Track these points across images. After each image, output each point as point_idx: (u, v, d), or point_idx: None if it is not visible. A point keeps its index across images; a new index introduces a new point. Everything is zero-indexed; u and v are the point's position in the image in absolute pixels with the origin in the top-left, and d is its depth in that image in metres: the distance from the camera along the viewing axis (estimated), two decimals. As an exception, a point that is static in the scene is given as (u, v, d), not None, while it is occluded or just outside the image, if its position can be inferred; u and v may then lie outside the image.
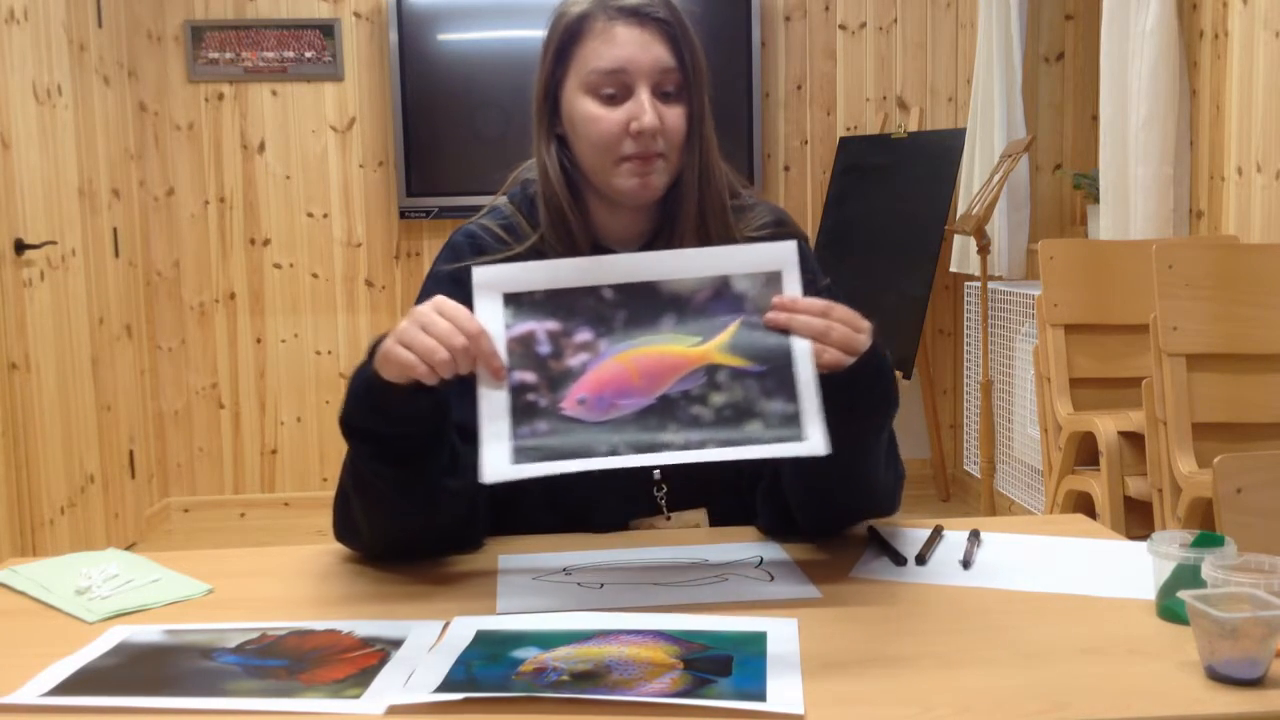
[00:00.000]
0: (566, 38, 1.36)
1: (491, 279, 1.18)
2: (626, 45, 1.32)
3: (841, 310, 1.17)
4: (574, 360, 1.16)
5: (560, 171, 1.38)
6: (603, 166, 1.35)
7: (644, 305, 1.17)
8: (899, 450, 1.37)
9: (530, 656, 1.02)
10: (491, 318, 1.16)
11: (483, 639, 1.06)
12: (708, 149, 1.38)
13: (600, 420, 1.13)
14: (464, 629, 1.09)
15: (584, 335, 1.16)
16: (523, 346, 1.16)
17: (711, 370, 1.14)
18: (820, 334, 1.15)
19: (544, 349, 1.16)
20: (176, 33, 4.39)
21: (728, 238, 1.39)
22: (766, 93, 4.52)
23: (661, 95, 1.33)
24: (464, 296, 1.18)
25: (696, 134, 1.36)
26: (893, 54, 4.56)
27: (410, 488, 1.24)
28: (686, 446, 1.12)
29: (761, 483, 1.37)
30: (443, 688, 0.95)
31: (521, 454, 1.13)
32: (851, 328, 1.16)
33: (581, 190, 1.40)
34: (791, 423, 1.12)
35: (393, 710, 0.93)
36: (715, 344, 1.15)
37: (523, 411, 1.14)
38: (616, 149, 1.33)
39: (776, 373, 1.14)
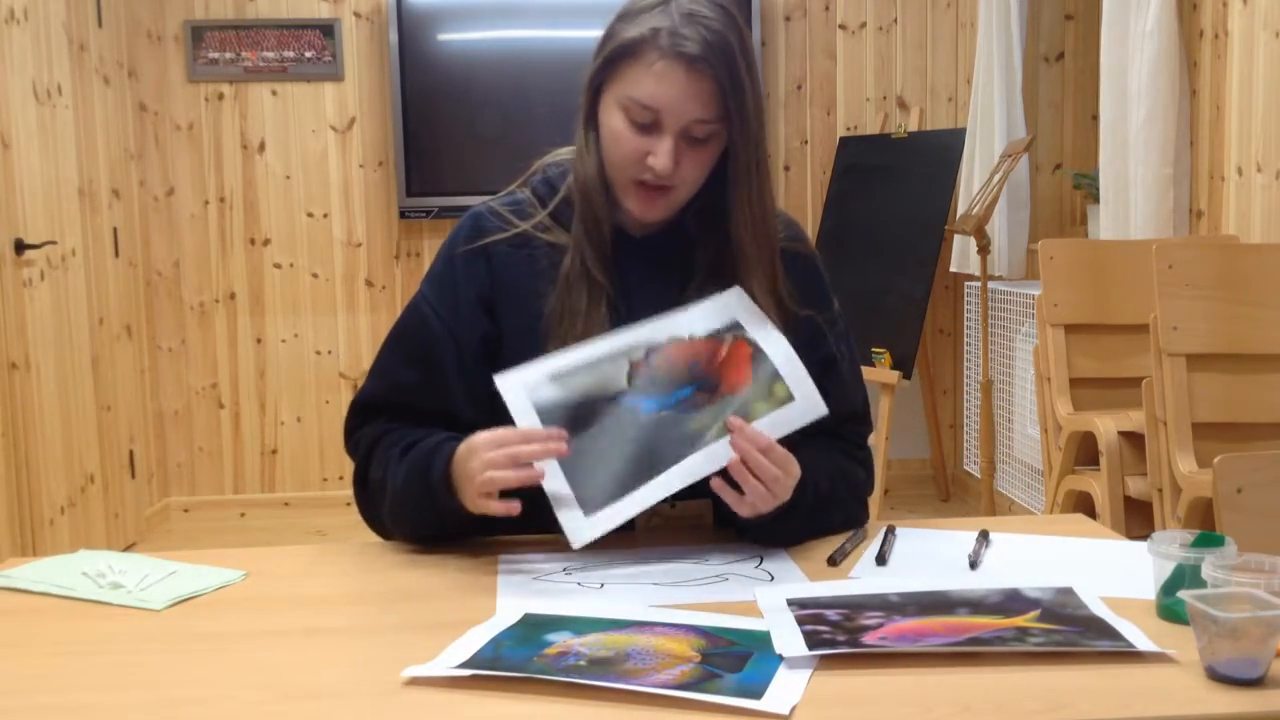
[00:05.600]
0: (620, 51, 1.34)
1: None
2: (669, 88, 1.30)
3: (771, 466, 1.27)
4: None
5: (596, 159, 1.39)
6: (615, 180, 1.39)
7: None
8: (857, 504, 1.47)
9: (560, 640, 1.05)
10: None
11: (526, 621, 1.11)
12: (758, 197, 1.38)
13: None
14: (513, 610, 1.14)
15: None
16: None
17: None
18: (745, 479, 1.27)
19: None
20: (176, 33, 4.39)
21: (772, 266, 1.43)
22: (767, 93, 4.52)
23: (689, 139, 1.34)
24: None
25: (743, 176, 1.37)
26: (893, 54, 4.56)
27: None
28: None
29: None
30: (465, 664, 1.00)
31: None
32: (771, 487, 1.27)
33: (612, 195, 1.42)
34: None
35: (409, 681, 0.98)
36: (1025, 618, 1.11)
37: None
38: (629, 171, 1.35)
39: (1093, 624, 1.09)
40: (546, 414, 1.30)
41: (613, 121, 1.35)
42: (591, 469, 1.28)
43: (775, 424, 1.30)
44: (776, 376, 1.33)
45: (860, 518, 1.45)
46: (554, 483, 1.28)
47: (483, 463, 1.26)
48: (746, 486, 1.27)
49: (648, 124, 1.32)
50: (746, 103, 1.33)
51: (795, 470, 1.30)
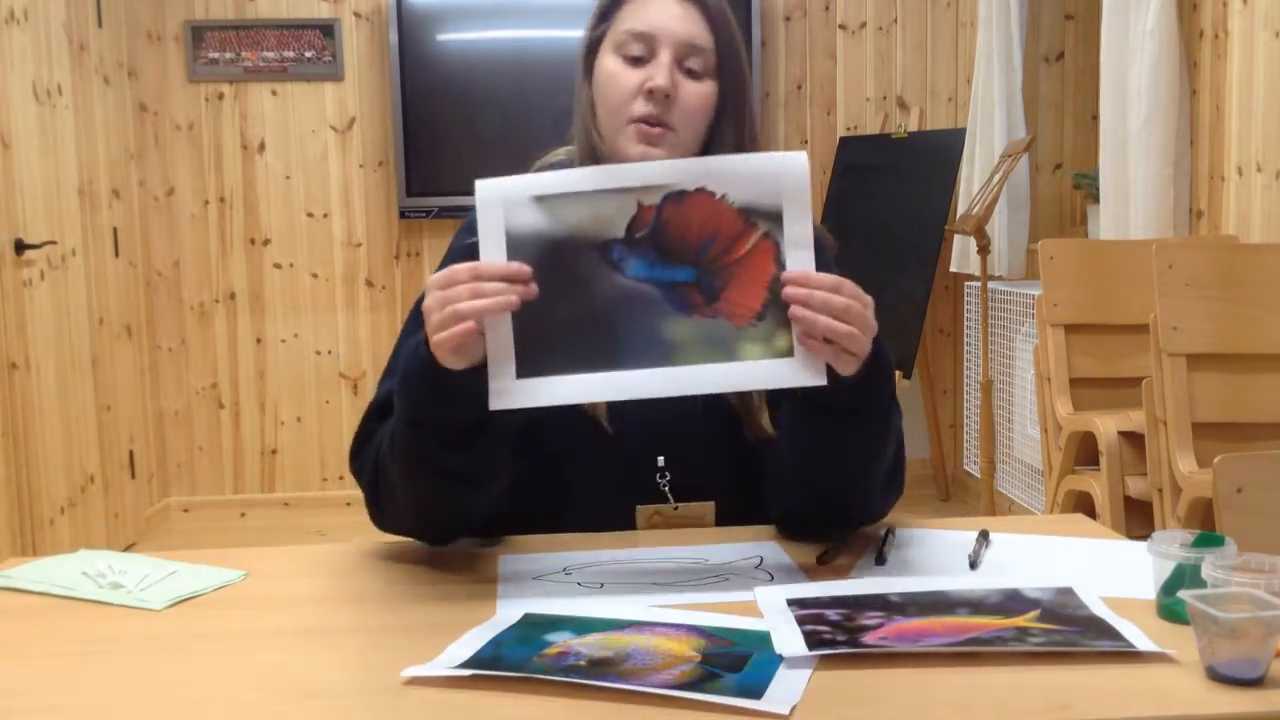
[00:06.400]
0: (611, 2, 1.39)
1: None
2: (660, 12, 1.35)
3: (850, 292, 1.15)
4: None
5: (595, 120, 1.38)
6: (613, 128, 1.36)
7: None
8: (904, 458, 1.38)
9: (560, 640, 1.05)
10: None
11: (526, 621, 1.10)
12: (746, 140, 1.37)
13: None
14: (513, 610, 1.13)
15: None
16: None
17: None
18: (829, 327, 1.14)
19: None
20: (176, 33, 4.39)
21: None
22: (766, 93, 4.52)
23: (686, 72, 1.35)
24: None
25: (732, 117, 1.36)
26: (893, 54, 4.56)
27: (478, 467, 1.27)
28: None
29: (766, 477, 1.38)
30: (465, 664, 0.99)
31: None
32: (859, 320, 1.15)
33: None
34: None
35: (409, 681, 0.97)
36: (1025, 618, 1.10)
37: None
38: (627, 108, 1.34)
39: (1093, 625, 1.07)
40: (518, 244, 1.15)
41: (607, 65, 1.36)
42: (545, 324, 1.14)
43: (759, 375, 1.16)
44: (784, 324, 1.15)
45: (898, 483, 1.38)
46: (498, 328, 1.14)
47: (437, 299, 1.15)
48: (836, 335, 1.14)
49: (643, 56, 1.34)
50: (734, 37, 1.37)
51: (868, 298, 1.17)
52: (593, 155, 1.38)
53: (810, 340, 1.15)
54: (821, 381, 1.15)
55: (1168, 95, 3.15)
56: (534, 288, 1.13)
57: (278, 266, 4.51)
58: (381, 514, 1.34)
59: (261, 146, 4.46)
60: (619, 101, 1.34)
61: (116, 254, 4.12)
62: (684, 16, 1.34)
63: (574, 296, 1.15)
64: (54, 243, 3.57)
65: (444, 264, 1.40)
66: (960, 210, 4.18)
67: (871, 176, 4.34)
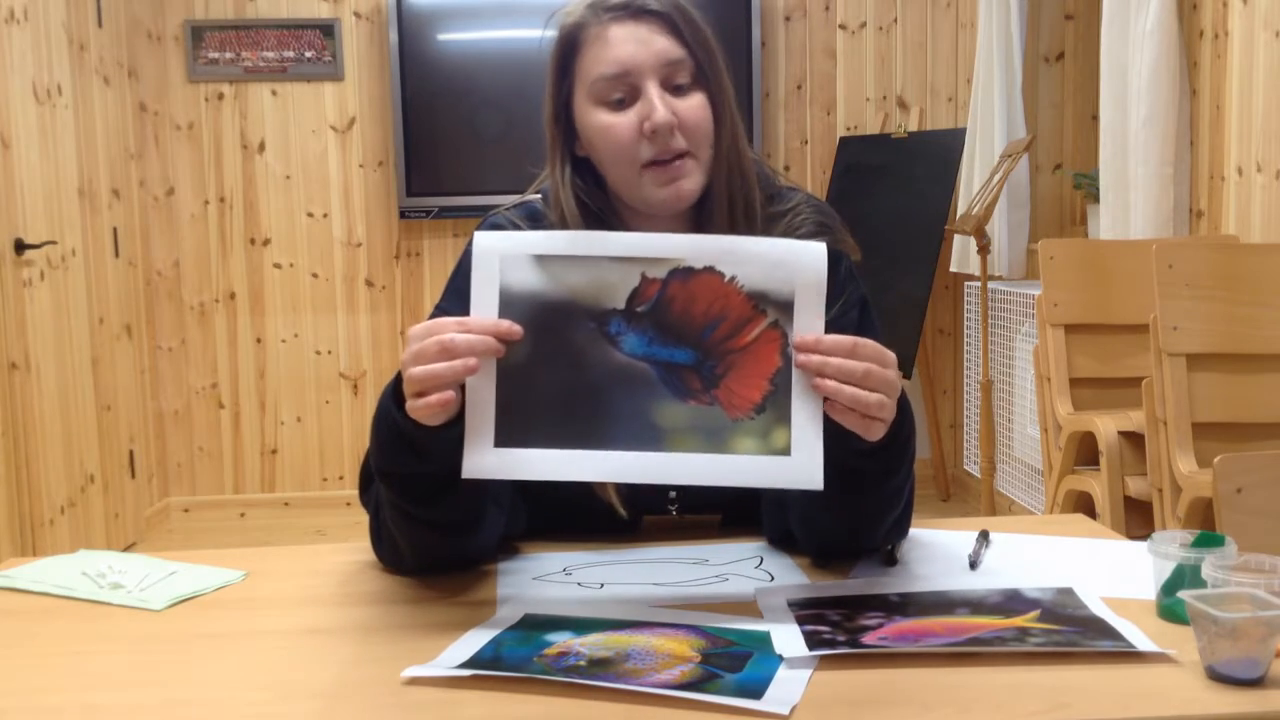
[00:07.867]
0: (565, 51, 1.30)
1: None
2: (624, 44, 1.25)
3: (868, 353, 1.07)
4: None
5: (574, 197, 1.30)
6: (628, 179, 1.28)
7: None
8: (913, 503, 1.29)
9: (560, 641, 1.05)
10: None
11: (526, 621, 1.10)
12: (735, 143, 1.30)
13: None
14: (513, 610, 1.13)
15: None
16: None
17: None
18: (855, 398, 1.06)
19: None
20: (176, 33, 4.39)
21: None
22: (766, 93, 4.52)
23: (674, 89, 1.26)
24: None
25: (727, 119, 1.29)
26: (893, 54, 4.56)
27: (456, 519, 1.21)
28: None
29: (765, 496, 1.35)
30: (465, 664, 0.99)
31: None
32: (883, 384, 1.07)
33: (613, 208, 1.33)
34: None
35: (409, 681, 0.97)
36: (1025, 618, 1.10)
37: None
38: (635, 156, 1.26)
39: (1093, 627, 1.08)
40: (511, 302, 1.09)
41: (593, 119, 1.28)
42: (530, 392, 1.08)
43: (753, 471, 1.09)
44: (784, 420, 1.09)
45: (905, 527, 1.31)
46: (481, 391, 1.08)
47: (410, 355, 1.07)
48: (857, 403, 1.06)
49: (625, 97, 1.26)
50: (706, 38, 1.28)
51: (890, 356, 1.09)
52: (597, 221, 1.30)
53: (836, 407, 1.07)
54: (818, 486, 1.08)
55: (1168, 95, 3.15)
56: (503, 347, 1.07)
57: (278, 266, 4.51)
58: (380, 548, 1.29)
59: (261, 146, 4.46)
60: (624, 154, 1.26)
61: (116, 254, 4.12)
62: (649, 37, 1.25)
63: (564, 366, 1.09)
64: (54, 243, 3.57)
65: (456, 272, 1.36)
66: (960, 210, 4.18)
67: (871, 176, 4.34)
